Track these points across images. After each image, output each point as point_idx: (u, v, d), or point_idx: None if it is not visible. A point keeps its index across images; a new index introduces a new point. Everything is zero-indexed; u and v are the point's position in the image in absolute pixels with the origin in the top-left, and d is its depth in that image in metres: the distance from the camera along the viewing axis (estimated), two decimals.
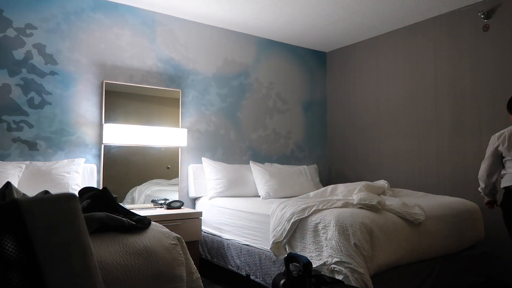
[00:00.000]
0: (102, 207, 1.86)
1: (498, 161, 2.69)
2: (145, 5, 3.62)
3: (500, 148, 2.65)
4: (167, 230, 1.85)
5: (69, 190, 2.92)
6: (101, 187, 3.26)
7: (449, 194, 3.45)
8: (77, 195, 1.44)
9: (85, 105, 3.36)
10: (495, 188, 2.77)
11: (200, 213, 3.29)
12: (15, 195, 1.83)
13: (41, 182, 2.82)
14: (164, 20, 3.79)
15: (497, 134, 2.70)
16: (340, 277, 2.15)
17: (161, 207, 3.42)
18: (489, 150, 2.72)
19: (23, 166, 2.83)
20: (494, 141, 2.69)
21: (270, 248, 2.59)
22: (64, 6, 3.29)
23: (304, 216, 2.47)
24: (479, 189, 2.85)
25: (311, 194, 3.18)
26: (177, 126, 3.78)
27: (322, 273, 2.24)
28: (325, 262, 2.25)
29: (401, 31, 4.15)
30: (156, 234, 1.75)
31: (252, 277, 2.89)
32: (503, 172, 2.69)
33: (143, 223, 1.81)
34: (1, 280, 0.86)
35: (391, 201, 2.67)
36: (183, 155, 3.84)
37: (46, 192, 1.88)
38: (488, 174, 2.72)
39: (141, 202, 3.54)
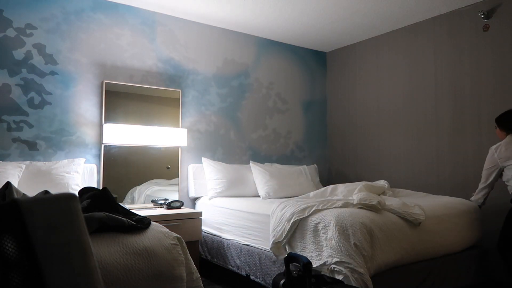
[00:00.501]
0: (102, 207, 1.86)
1: (498, 171, 2.80)
2: (145, 5, 3.62)
3: (498, 157, 2.76)
4: (167, 230, 1.85)
5: (69, 190, 2.92)
6: (101, 187, 3.26)
7: (449, 194, 3.45)
8: (77, 195, 1.44)
9: (85, 105, 3.36)
10: (488, 195, 2.94)
11: (200, 213, 3.29)
12: (15, 195, 1.83)
13: (41, 182, 2.82)
14: (164, 20, 3.79)
15: (494, 147, 2.83)
16: (340, 277, 2.15)
17: (161, 207, 3.42)
18: (489, 161, 2.82)
19: (23, 166, 2.83)
20: (492, 153, 2.81)
21: (270, 248, 2.59)
22: (64, 6, 3.29)
23: (304, 216, 2.47)
24: (476, 194, 2.97)
25: (311, 194, 3.18)
26: (177, 126, 3.78)
27: (322, 273, 2.24)
28: (325, 262, 2.25)
29: (401, 31, 4.15)
30: (156, 234, 1.75)
31: (252, 277, 2.89)
32: (507, 178, 2.75)
33: (143, 223, 1.81)
34: (1, 280, 0.86)
35: (391, 201, 2.67)
36: (183, 155, 3.84)
37: (46, 192, 1.88)
38: (489, 183, 2.85)
39: (141, 202, 3.54)
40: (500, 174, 2.80)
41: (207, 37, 4.07)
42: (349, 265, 2.13)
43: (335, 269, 2.19)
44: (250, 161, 4.08)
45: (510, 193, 2.76)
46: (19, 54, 3.09)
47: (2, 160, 2.94)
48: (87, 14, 3.39)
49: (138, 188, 3.58)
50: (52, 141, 3.21)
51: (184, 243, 1.81)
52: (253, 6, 3.61)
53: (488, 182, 2.84)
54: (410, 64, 4.06)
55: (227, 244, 3.22)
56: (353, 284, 2.06)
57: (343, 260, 2.16)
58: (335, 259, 2.20)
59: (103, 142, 3.33)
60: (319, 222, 2.39)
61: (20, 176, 2.77)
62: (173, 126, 3.73)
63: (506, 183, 2.79)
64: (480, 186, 2.91)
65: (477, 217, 2.94)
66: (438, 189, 3.68)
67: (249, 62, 4.36)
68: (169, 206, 3.33)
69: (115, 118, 3.46)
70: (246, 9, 3.70)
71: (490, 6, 3.41)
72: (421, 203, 2.75)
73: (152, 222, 1.91)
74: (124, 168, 3.51)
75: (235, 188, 3.74)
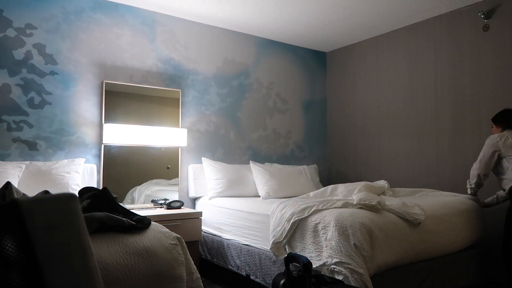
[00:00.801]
0: (102, 207, 1.86)
1: (497, 158, 2.80)
2: (145, 5, 3.62)
3: (502, 144, 2.76)
4: (167, 230, 1.85)
5: (69, 190, 2.92)
6: (101, 187, 3.26)
7: None
8: (77, 195, 1.44)
9: (85, 105, 3.36)
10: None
11: (200, 213, 3.29)
12: (15, 195, 1.83)
13: (41, 182, 2.82)
14: (164, 20, 3.79)
15: (496, 135, 2.83)
16: (340, 278, 2.14)
17: (161, 207, 3.42)
18: (491, 146, 2.80)
19: (23, 166, 2.83)
20: (495, 140, 2.80)
21: (270, 248, 2.59)
22: (64, 6, 3.29)
23: (304, 216, 2.46)
24: (471, 183, 2.95)
25: (311, 194, 3.18)
26: (177, 126, 3.78)
27: (322, 273, 2.24)
28: (324, 262, 2.25)
29: (401, 31, 4.15)
30: (156, 234, 1.75)
31: (252, 277, 2.89)
32: (504, 170, 2.77)
33: (143, 223, 1.81)
34: (1, 280, 0.86)
35: (391, 201, 2.66)
36: (183, 155, 3.84)
37: (46, 192, 1.88)
38: (485, 173, 2.85)
39: (141, 202, 3.54)
40: (496, 163, 2.80)
41: (207, 37, 4.07)
42: (349, 266, 2.13)
43: (335, 269, 2.18)
44: (250, 161, 4.08)
45: (504, 187, 2.77)
46: (19, 54, 3.09)
47: (2, 160, 2.94)
48: (87, 14, 3.39)
49: (138, 188, 3.58)
50: (52, 141, 3.21)
51: (184, 243, 1.81)
52: (253, 6, 3.61)
53: (490, 169, 2.82)
54: (410, 64, 4.06)
55: (227, 244, 3.22)
56: (353, 284, 2.06)
57: (343, 260, 2.16)
58: (334, 260, 2.20)
59: (103, 142, 3.33)
60: (318, 223, 2.39)
61: (20, 176, 2.77)
62: (173, 126, 3.73)
63: (502, 176, 2.79)
64: (481, 174, 2.84)
65: (477, 216, 2.94)
66: (438, 189, 3.66)
67: (249, 62, 4.36)
68: (169, 206, 3.33)
69: (115, 118, 3.46)
70: (246, 9, 3.70)
71: (490, 6, 3.41)
72: (421, 203, 2.75)
73: (152, 222, 1.91)
74: (124, 168, 3.51)
75: (235, 188, 3.74)
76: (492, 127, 2.98)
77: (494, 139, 2.80)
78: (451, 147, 3.68)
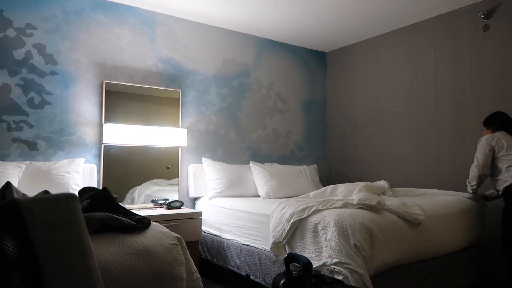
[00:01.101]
0: (102, 207, 1.86)
1: (492, 157, 2.83)
2: (145, 5, 3.62)
3: (496, 144, 2.78)
4: (167, 230, 1.85)
5: (69, 190, 2.92)
6: (101, 187, 3.26)
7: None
8: (77, 195, 1.44)
9: (85, 105, 3.36)
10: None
11: (200, 213, 3.29)
12: (15, 195, 1.83)
13: (41, 182, 2.82)
14: (164, 20, 3.79)
15: (487, 135, 2.85)
16: (339, 278, 2.14)
17: (161, 207, 3.42)
18: (487, 146, 2.81)
19: (23, 166, 2.83)
20: (488, 140, 2.81)
21: (270, 248, 2.59)
22: (64, 6, 3.29)
23: (303, 216, 2.46)
24: (472, 184, 2.93)
25: (311, 194, 3.18)
26: (177, 126, 3.78)
27: (321, 273, 2.24)
28: (324, 262, 2.25)
29: (401, 31, 4.15)
30: (156, 234, 1.75)
31: (252, 277, 2.89)
32: (498, 171, 2.78)
33: (143, 223, 1.81)
34: (1, 280, 0.86)
35: (390, 201, 2.66)
36: (183, 155, 3.84)
37: (46, 192, 1.88)
38: (485, 173, 2.84)
39: (141, 202, 3.54)
40: (490, 164, 2.81)
41: (207, 37, 4.07)
42: (349, 266, 2.13)
43: (335, 269, 2.18)
44: (250, 161, 4.08)
45: (498, 188, 2.77)
46: (19, 54, 3.09)
47: (2, 160, 2.94)
48: (87, 14, 3.39)
49: (138, 188, 3.58)
50: (52, 141, 3.21)
51: (184, 243, 1.81)
52: (253, 6, 3.61)
53: (489, 168, 2.81)
54: (410, 64, 4.06)
55: (227, 244, 3.22)
56: (353, 284, 2.06)
57: (343, 260, 2.16)
58: (334, 260, 2.20)
59: (103, 142, 3.33)
60: (318, 223, 2.39)
61: (20, 176, 2.77)
62: (173, 126, 3.73)
63: (496, 177, 2.79)
64: (482, 175, 2.84)
65: (476, 216, 2.95)
66: (438, 189, 3.67)
67: (249, 62, 4.36)
68: (169, 206, 3.33)
69: (115, 118, 3.46)
70: (246, 9, 3.70)
71: (490, 6, 3.41)
72: (421, 203, 2.75)
73: (152, 222, 1.91)
74: (124, 168, 3.51)
75: (235, 188, 3.74)
76: (483, 130, 3.01)
77: (487, 139, 2.82)
78: (451, 147, 3.68)
